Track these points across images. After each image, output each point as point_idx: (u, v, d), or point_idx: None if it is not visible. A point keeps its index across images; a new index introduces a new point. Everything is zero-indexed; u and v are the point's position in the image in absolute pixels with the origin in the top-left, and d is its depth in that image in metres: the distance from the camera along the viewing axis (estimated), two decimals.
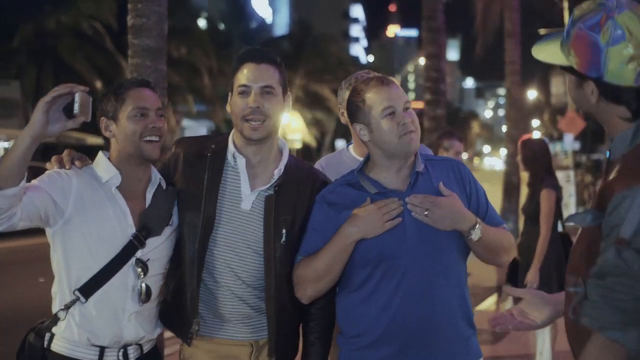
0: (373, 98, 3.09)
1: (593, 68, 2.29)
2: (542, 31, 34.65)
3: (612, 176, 2.25)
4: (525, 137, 7.68)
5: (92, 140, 32.40)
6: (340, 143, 55.93)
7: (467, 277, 3.25)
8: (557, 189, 7.05)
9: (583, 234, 2.33)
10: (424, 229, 3.05)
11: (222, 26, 50.74)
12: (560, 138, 36.11)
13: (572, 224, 2.41)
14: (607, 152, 2.45)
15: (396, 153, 3.10)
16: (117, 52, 31.44)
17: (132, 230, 3.14)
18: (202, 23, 44.23)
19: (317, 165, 4.10)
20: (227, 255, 3.22)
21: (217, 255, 3.22)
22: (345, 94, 3.89)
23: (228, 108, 3.32)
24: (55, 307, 3.14)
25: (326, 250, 3.07)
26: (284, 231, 3.20)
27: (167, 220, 3.25)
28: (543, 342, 7.28)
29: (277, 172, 3.26)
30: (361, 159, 3.78)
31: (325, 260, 3.07)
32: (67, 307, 3.09)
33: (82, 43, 30.38)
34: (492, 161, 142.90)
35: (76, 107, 2.90)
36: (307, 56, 46.21)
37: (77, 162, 3.18)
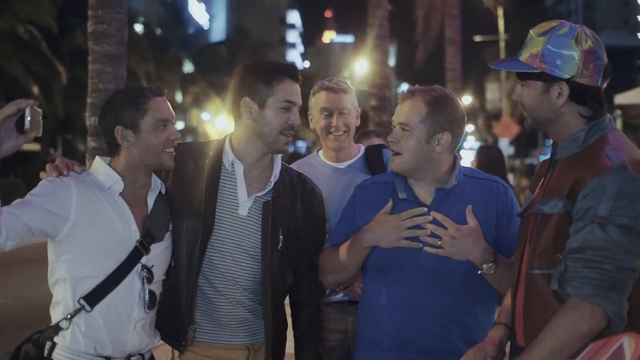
0: None
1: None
2: (477, 38, 35.31)
3: (568, 171, 2.64)
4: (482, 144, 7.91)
5: (27, 146, 31.85)
6: None
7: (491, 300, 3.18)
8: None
9: (548, 221, 2.65)
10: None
11: (159, 31, 50.24)
12: (495, 143, 36.80)
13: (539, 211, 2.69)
14: (544, 156, 2.79)
15: None
16: (54, 56, 30.99)
17: (137, 236, 3.11)
18: (139, 28, 43.80)
19: None
20: (224, 261, 3.25)
21: (215, 261, 3.25)
22: (311, 101, 4.00)
23: (249, 114, 3.27)
24: (57, 317, 3.09)
25: (342, 249, 3.16)
26: (281, 237, 3.24)
27: (168, 226, 3.25)
28: None
29: (274, 178, 3.31)
30: (331, 163, 3.91)
31: (342, 258, 3.16)
32: (71, 317, 3.04)
33: (18, 47, 29.81)
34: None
35: (27, 122, 2.87)
36: (245, 62, 45.78)
37: (75, 167, 3.13)
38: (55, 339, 3.08)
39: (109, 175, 3.12)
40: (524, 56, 2.75)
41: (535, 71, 2.71)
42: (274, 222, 3.25)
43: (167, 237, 3.24)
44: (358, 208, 3.22)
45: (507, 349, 2.89)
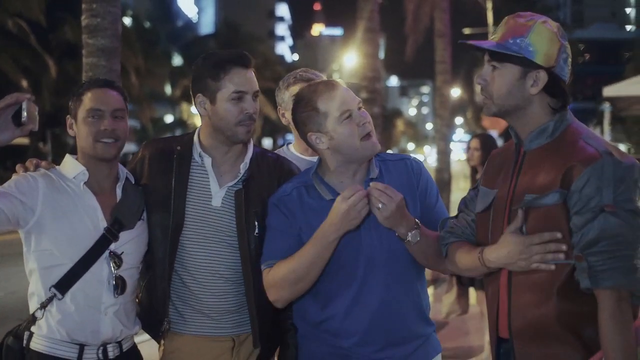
0: (327, 104, 3.05)
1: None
2: (466, 30, 35.35)
3: (544, 162, 2.66)
4: (482, 134, 8.02)
5: (16, 140, 31.73)
6: (266, 142, 55.95)
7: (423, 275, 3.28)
8: None
9: (541, 213, 2.63)
10: (379, 236, 3.07)
11: (148, 25, 50.05)
12: None
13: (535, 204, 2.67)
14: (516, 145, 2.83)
15: (358, 156, 3.08)
16: (44, 50, 30.87)
17: (104, 224, 3.19)
18: (127, 21, 43.61)
19: None
20: (202, 253, 3.29)
21: (193, 253, 3.29)
22: (284, 95, 3.92)
23: (204, 111, 3.31)
24: (33, 307, 3.17)
25: (306, 251, 3.02)
26: (256, 223, 3.27)
27: (139, 215, 3.31)
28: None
29: (243, 167, 3.34)
30: (303, 156, 3.81)
31: (306, 260, 3.01)
32: (44, 306, 3.13)
33: (7, 42, 29.69)
34: (417, 158, 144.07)
35: (24, 115, 2.96)
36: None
37: (43, 164, 3.26)
38: (32, 329, 3.16)
39: (74, 166, 3.24)
40: (499, 36, 2.73)
41: (518, 54, 2.68)
42: (247, 210, 3.27)
43: (139, 225, 3.31)
44: (291, 219, 3.13)
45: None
